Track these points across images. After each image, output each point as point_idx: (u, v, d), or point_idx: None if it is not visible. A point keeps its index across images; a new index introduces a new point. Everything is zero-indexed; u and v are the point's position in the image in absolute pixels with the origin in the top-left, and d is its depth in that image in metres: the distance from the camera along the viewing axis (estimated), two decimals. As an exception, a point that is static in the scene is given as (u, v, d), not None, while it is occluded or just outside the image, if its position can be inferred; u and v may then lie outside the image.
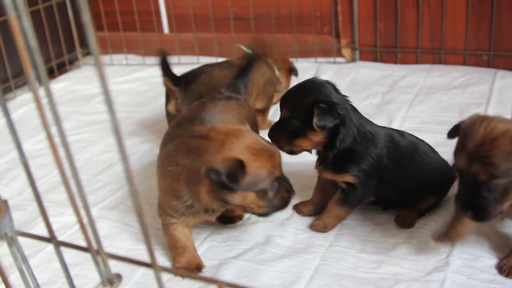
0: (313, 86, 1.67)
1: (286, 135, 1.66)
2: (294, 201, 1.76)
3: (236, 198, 1.47)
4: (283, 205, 1.56)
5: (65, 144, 0.70)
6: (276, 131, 1.70)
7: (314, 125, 1.57)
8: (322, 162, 1.70)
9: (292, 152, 1.70)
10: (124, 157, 0.70)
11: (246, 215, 1.84)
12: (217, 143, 1.45)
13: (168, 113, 2.19)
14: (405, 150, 1.71)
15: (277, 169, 1.50)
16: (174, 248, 1.64)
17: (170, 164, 1.55)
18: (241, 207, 1.53)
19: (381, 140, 1.68)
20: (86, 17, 0.62)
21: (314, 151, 1.72)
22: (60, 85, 3.25)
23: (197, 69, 2.26)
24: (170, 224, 1.61)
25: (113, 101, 0.64)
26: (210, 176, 1.40)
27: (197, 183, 1.47)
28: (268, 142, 1.55)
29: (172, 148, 1.58)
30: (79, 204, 0.77)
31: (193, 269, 1.61)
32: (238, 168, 1.41)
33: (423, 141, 1.79)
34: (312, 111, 1.57)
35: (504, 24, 2.81)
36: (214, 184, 1.43)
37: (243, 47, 2.55)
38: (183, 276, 1.55)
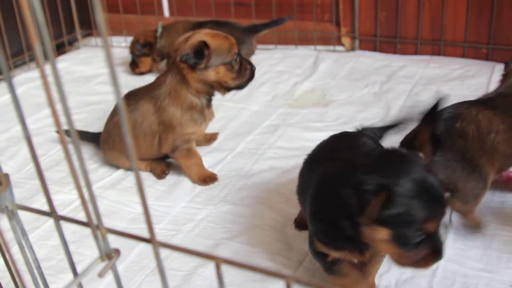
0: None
1: None
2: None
3: (211, 74, 1.86)
4: (250, 74, 1.94)
5: (70, 122, 0.71)
6: None
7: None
8: None
9: None
10: (127, 134, 0.72)
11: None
12: (184, 42, 1.88)
13: None
14: None
15: (234, 46, 1.89)
16: (197, 165, 2.00)
17: (168, 98, 1.91)
18: (218, 83, 1.89)
19: None
20: (99, 14, 0.63)
21: None
22: (59, 66, 3.25)
23: None
24: (191, 146, 1.98)
25: (118, 82, 0.65)
26: (183, 60, 1.82)
27: (182, 79, 1.87)
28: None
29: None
30: (81, 180, 0.78)
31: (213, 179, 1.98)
32: (202, 46, 1.82)
33: None
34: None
35: (504, 18, 2.82)
36: (189, 66, 1.83)
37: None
38: (183, 252, 1.57)
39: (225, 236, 1.69)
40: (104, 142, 2.09)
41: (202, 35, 1.87)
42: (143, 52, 3.00)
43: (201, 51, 1.81)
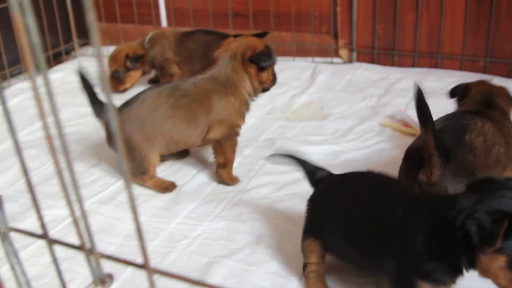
0: None
1: None
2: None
3: (265, 75, 2.06)
4: (275, 80, 2.14)
5: (61, 135, 0.70)
6: None
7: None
8: None
9: None
10: (120, 154, 0.70)
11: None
12: (242, 46, 2.05)
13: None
14: None
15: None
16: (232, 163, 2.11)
17: (229, 90, 2.02)
18: (263, 84, 2.09)
19: None
20: (91, 18, 0.62)
21: None
22: (56, 76, 3.24)
23: None
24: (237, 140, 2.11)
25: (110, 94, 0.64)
26: (254, 61, 2.01)
27: (243, 77, 2.04)
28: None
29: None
30: (73, 198, 0.77)
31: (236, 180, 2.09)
32: (270, 50, 2.06)
33: None
34: None
35: (501, 31, 2.82)
36: (258, 67, 2.03)
37: None
38: (176, 278, 1.55)
39: (220, 253, 1.67)
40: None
41: (255, 40, 2.07)
42: (136, 66, 2.92)
43: (269, 53, 2.04)
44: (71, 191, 0.77)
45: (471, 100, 1.82)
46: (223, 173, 2.07)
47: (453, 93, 1.92)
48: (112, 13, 3.59)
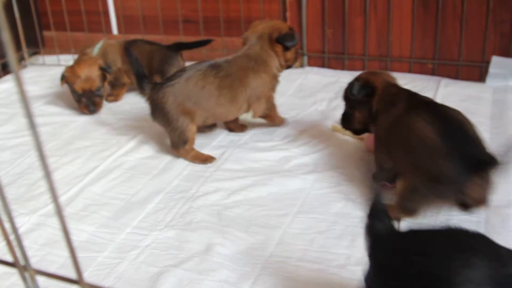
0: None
1: None
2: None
3: (290, 53, 2.33)
4: (297, 57, 2.41)
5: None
6: None
7: None
8: None
9: None
10: (47, 173, 0.70)
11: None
12: (268, 28, 2.33)
13: None
14: None
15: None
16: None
17: (261, 67, 2.29)
18: (288, 62, 2.36)
19: None
20: (6, 36, 0.62)
21: None
22: (5, 86, 3.18)
23: None
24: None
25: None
26: (280, 41, 2.28)
27: (271, 55, 2.29)
28: None
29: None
30: (3, 217, 0.76)
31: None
32: (293, 31, 2.33)
33: None
34: None
35: (448, 33, 2.88)
36: (285, 46, 2.29)
37: None
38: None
39: (170, 263, 1.66)
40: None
41: (280, 23, 2.37)
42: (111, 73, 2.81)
43: (293, 35, 2.30)
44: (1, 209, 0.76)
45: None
46: (275, 120, 2.45)
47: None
48: (62, 22, 3.54)
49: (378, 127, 1.95)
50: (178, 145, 2.23)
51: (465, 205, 1.73)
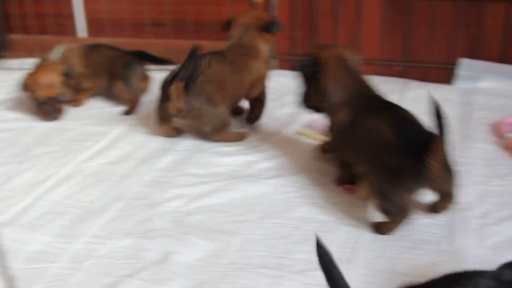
0: None
1: None
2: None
3: (272, 38, 2.50)
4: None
5: None
6: None
7: None
8: None
9: None
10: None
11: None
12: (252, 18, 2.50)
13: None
14: None
15: None
16: None
17: (255, 53, 2.46)
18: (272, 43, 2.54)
19: None
20: None
21: None
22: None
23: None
24: None
25: None
26: (267, 29, 2.43)
27: (261, 40, 2.46)
28: None
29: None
30: None
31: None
32: (277, 19, 2.50)
33: None
34: None
35: (417, 35, 2.87)
36: (269, 33, 2.45)
37: None
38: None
39: (125, 272, 1.61)
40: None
41: (261, 13, 2.65)
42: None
43: (277, 22, 2.47)
44: None
45: None
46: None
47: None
48: (27, 25, 3.47)
49: (335, 123, 1.94)
50: (220, 129, 2.35)
51: (434, 207, 1.79)
